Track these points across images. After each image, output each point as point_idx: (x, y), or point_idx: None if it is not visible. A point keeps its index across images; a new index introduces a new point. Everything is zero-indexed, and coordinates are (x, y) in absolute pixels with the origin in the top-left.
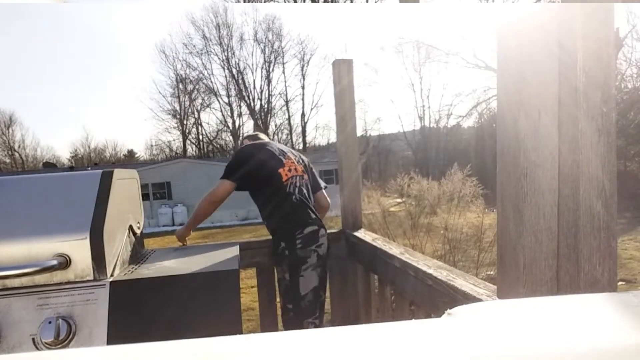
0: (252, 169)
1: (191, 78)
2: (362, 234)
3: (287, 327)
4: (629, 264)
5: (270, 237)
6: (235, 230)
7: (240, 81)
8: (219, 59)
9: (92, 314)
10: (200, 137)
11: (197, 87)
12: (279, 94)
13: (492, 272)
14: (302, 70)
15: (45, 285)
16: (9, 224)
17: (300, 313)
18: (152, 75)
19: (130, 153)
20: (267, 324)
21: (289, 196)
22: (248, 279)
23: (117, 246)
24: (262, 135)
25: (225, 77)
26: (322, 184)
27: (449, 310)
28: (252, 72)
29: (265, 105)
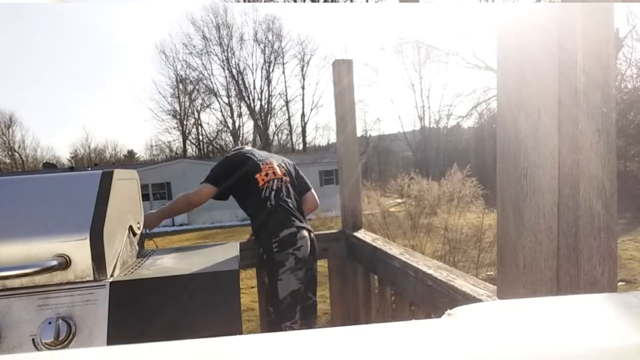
0: (231, 175)
1: (191, 78)
2: (362, 234)
3: (268, 329)
4: (629, 264)
5: None
6: (235, 230)
7: (240, 81)
8: (219, 59)
9: (92, 314)
10: (200, 137)
11: (197, 87)
12: (279, 94)
13: (492, 273)
14: (302, 70)
15: (45, 285)
16: (9, 225)
17: (279, 316)
18: (152, 75)
19: (130, 153)
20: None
21: (265, 201)
22: (248, 279)
23: (117, 246)
24: (248, 147)
25: (225, 77)
26: (309, 185)
27: (449, 311)
28: (252, 73)
29: (265, 106)
